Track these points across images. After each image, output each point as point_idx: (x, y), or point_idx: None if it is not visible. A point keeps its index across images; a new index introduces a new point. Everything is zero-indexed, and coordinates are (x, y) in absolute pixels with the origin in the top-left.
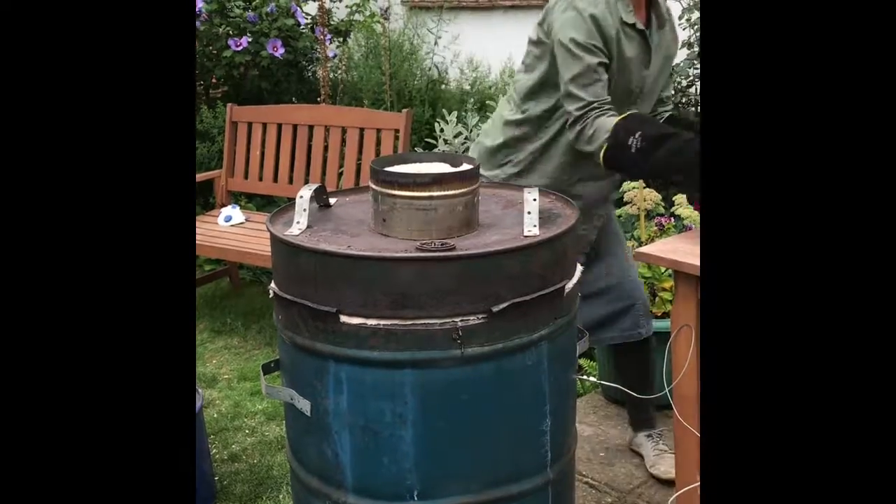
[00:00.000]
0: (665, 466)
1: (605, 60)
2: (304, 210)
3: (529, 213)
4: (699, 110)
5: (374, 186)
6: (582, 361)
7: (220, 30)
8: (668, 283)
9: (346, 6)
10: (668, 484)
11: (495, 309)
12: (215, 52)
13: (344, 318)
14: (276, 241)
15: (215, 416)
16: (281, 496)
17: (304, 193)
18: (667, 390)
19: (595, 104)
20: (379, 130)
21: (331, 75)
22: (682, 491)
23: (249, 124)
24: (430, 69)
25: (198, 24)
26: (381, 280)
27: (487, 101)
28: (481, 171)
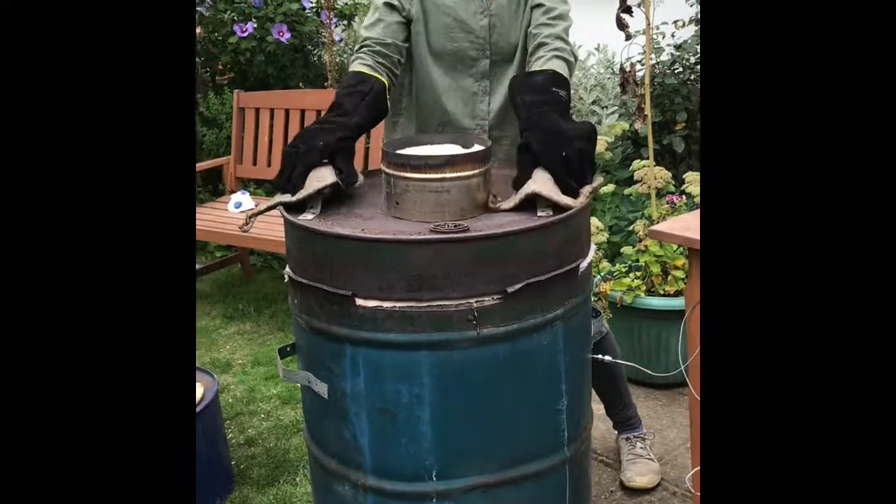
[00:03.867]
0: (629, 473)
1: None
2: None
3: None
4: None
5: (386, 169)
6: None
7: (226, 16)
8: (680, 262)
9: None
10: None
11: (510, 289)
12: (221, 38)
13: (360, 301)
14: (291, 226)
15: (230, 401)
16: (298, 479)
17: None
18: (682, 367)
19: (367, 42)
20: None
21: (337, 59)
22: (697, 469)
23: (257, 110)
24: None
25: (203, 10)
26: (396, 263)
27: None
28: None
